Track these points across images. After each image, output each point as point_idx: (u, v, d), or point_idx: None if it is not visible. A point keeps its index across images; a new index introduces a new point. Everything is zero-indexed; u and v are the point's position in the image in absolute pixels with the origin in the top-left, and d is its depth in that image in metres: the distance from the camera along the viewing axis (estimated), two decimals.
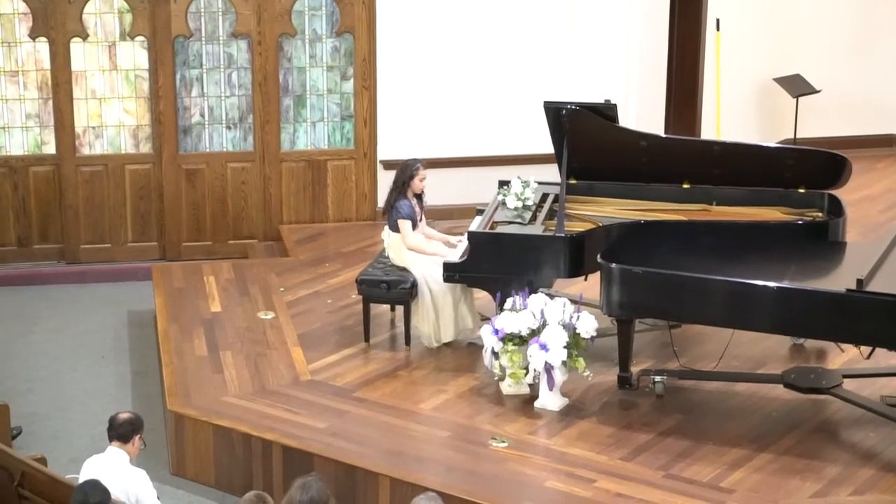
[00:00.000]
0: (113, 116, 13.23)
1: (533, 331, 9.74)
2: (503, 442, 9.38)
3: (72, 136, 13.15)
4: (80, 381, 11.23)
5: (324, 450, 9.25)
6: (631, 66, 13.72)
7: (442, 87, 13.52)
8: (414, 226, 10.73)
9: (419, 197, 10.84)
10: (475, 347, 10.55)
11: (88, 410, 10.70)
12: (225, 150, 13.42)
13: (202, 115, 13.33)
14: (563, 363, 9.65)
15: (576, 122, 10.57)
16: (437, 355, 10.66)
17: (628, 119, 13.00)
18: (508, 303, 9.94)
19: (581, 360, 9.69)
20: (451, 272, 10.40)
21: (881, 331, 9.03)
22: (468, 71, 13.53)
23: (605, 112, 10.64)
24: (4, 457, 8.23)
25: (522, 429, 9.57)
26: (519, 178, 10.99)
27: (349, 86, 13.45)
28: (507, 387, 10.02)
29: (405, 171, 10.75)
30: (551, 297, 10.04)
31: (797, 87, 14.52)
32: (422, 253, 10.69)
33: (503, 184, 11.06)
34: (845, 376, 9.94)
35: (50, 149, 13.20)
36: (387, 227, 10.89)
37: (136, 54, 13.14)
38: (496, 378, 10.07)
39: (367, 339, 10.89)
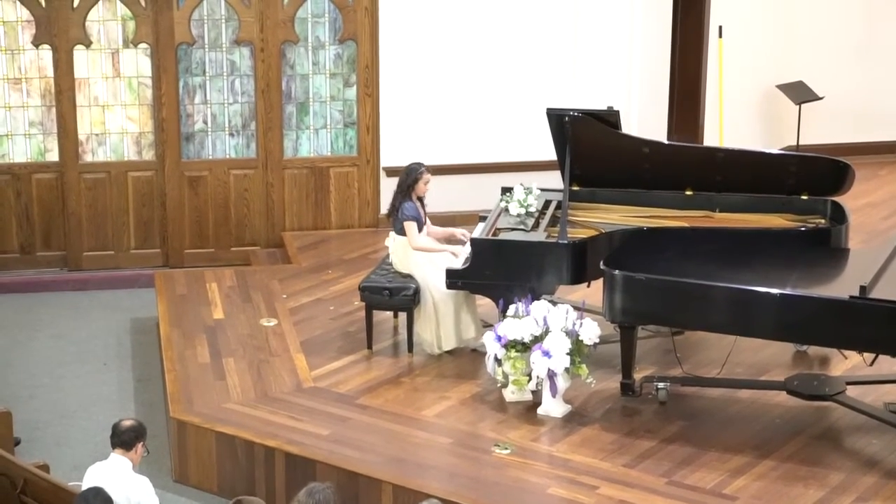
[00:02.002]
0: (116, 124, 13.24)
1: (536, 337, 9.74)
2: (506, 449, 9.38)
3: (75, 143, 13.16)
4: (82, 388, 11.23)
5: (326, 457, 9.25)
6: (633, 72, 13.72)
7: (444, 93, 13.53)
8: (420, 227, 10.74)
9: (421, 200, 10.85)
10: (478, 354, 10.55)
11: (91, 417, 10.70)
12: (228, 157, 13.42)
13: (205, 122, 13.34)
14: (566, 370, 9.65)
15: (578, 128, 10.57)
16: (439, 362, 10.66)
17: (631, 126, 12.98)
18: (511, 309, 9.94)
19: (584, 366, 9.69)
20: (454, 279, 10.40)
21: (884, 337, 9.03)
22: (471, 77, 13.54)
23: (608, 119, 10.64)
24: (7, 464, 8.23)
25: (525, 435, 9.57)
26: (522, 184, 10.99)
27: (352, 93, 13.46)
28: (509, 393, 10.02)
29: (409, 175, 10.75)
30: (554, 303, 10.04)
31: (800, 93, 14.52)
32: (430, 251, 10.69)
33: (506, 190, 11.07)
34: (848, 383, 9.93)
35: (53, 156, 13.20)
36: (392, 233, 10.89)
37: (139, 61, 13.15)
38: (499, 385, 10.06)
39: (369, 346, 10.89)
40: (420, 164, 10.84)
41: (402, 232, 10.75)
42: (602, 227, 10.52)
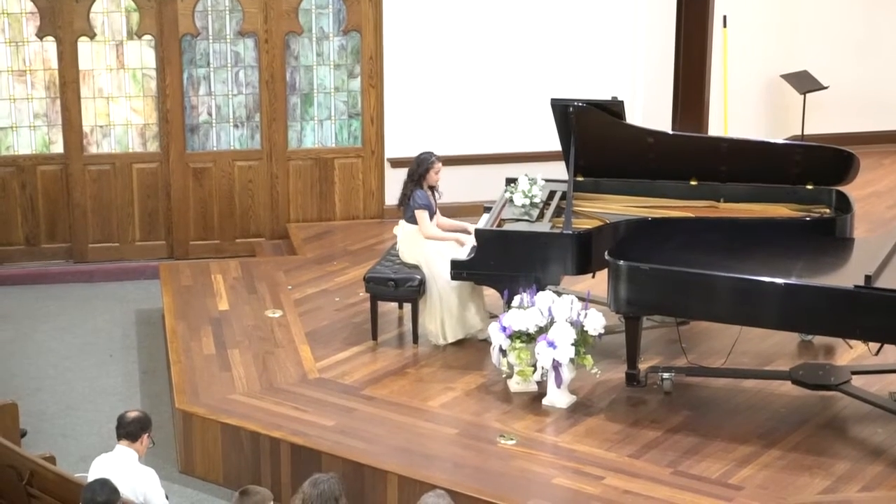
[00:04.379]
0: (120, 115, 13.25)
1: (541, 328, 9.75)
2: (511, 439, 9.38)
3: (79, 135, 13.17)
4: (88, 379, 11.25)
5: (332, 447, 9.26)
6: (638, 62, 13.72)
7: (449, 84, 13.53)
8: (431, 216, 10.74)
9: (433, 189, 10.86)
10: (483, 344, 10.55)
11: (97, 409, 10.71)
12: (232, 148, 13.43)
13: (209, 114, 13.34)
14: (571, 360, 9.66)
15: (583, 119, 10.57)
16: (444, 353, 10.66)
17: (635, 116, 13.00)
18: (516, 300, 9.94)
19: (589, 357, 9.70)
20: (459, 270, 10.41)
21: (889, 326, 9.02)
22: (475, 68, 13.53)
23: (612, 109, 10.63)
24: (13, 455, 8.24)
25: (530, 426, 9.58)
26: (526, 175, 10.98)
27: (356, 84, 13.45)
28: (514, 384, 10.03)
29: (421, 165, 10.76)
30: (559, 294, 10.04)
31: (804, 83, 14.51)
32: (440, 240, 10.70)
33: (510, 181, 11.06)
34: (853, 373, 9.93)
35: (58, 148, 13.21)
36: (402, 221, 10.89)
37: (143, 53, 13.16)
38: (504, 375, 10.07)
39: (374, 337, 10.89)
40: (431, 154, 10.84)
41: (412, 220, 10.75)
42: (606, 218, 10.51)
